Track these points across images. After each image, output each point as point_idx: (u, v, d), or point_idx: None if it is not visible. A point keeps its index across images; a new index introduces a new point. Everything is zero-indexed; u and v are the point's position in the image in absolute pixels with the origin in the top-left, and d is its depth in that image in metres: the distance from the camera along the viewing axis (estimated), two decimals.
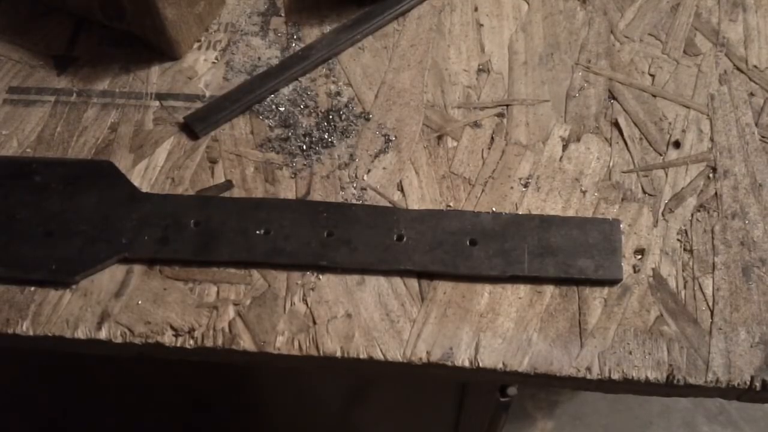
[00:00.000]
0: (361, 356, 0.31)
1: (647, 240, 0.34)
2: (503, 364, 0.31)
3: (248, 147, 0.37)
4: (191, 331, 0.32)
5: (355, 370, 0.33)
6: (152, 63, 0.40)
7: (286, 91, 0.39)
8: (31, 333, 0.32)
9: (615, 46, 0.40)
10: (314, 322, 0.32)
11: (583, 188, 0.35)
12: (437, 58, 0.40)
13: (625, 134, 0.37)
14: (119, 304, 0.32)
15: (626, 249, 0.33)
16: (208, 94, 0.39)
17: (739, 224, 0.34)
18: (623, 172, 0.36)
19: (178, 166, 0.36)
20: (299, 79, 0.39)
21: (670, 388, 0.31)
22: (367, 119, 0.38)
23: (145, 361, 0.34)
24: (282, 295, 0.33)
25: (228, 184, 0.36)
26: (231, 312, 0.32)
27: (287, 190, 0.35)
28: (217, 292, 0.33)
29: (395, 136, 0.37)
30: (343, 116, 0.38)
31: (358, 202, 0.35)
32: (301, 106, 0.38)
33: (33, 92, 0.39)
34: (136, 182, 0.35)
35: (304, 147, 0.37)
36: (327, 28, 0.41)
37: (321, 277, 0.33)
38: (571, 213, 0.35)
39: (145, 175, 0.36)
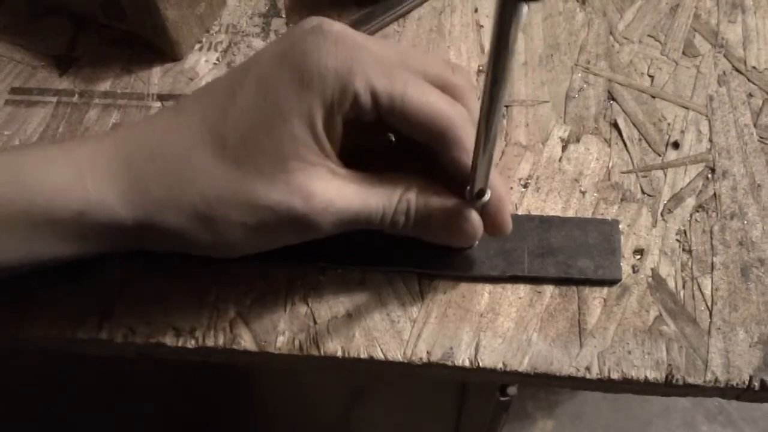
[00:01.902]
0: (362, 356, 0.31)
1: (646, 240, 0.34)
2: (503, 363, 0.31)
3: None
4: (192, 330, 0.32)
5: (356, 370, 0.33)
6: (153, 64, 0.40)
7: None
8: (31, 333, 0.32)
9: (614, 47, 0.40)
10: (315, 322, 0.32)
11: (582, 189, 0.35)
12: None
13: (625, 135, 0.37)
14: (120, 304, 0.33)
15: (625, 249, 0.34)
16: None
17: (737, 225, 0.34)
18: (622, 173, 0.36)
19: None
20: None
21: (669, 387, 0.31)
22: None
23: (146, 362, 0.34)
24: (283, 294, 0.33)
25: None
26: (232, 312, 0.32)
27: None
28: (218, 292, 0.33)
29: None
30: None
31: None
32: None
33: (35, 93, 0.39)
34: None
35: None
36: None
37: (321, 277, 0.33)
38: (570, 213, 0.35)
39: None
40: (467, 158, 0.28)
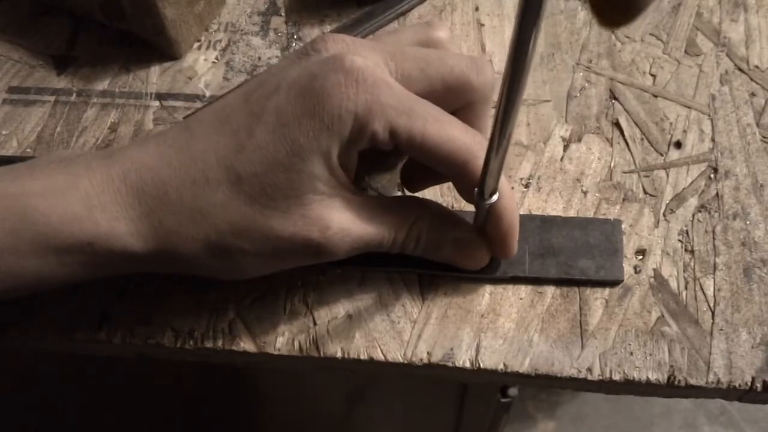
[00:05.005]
0: (362, 357, 0.31)
1: (648, 240, 0.34)
2: (504, 365, 0.31)
3: None
4: (191, 331, 0.32)
5: (356, 371, 0.32)
6: (152, 63, 0.40)
7: None
8: (31, 333, 0.32)
9: (616, 46, 0.40)
10: (314, 323, 0.32)
11: (584, 188, 0.35)
12: None
13: (626, 134, 0.37)
14: (119, 305, 0.32)
15: (627, 249, 0.33)
16: (208, 94, 0.39)
17: (740, 225, 0.34)
18: (624, 173, 0.36)
19: None
20: None
21: (671, 389, 0.31)
22: None
23: (146, 361, 0.34)
24: (282, 295, 0.33)
25: None
26: (231, 312, 0.32)
27: None
28: (217, 293, 0.33)
29: None
30: None
31: None
32: None
33: (33, 92, 0.39)
34: None
35: None
36: (327, 28, 0.41)
37: (321, 277, 0.33)
38: (572, 213, 0.34)
39: None
40: None
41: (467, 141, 0.27)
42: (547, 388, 0.73)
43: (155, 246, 0.27)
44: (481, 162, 0.27)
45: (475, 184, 0.28)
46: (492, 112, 0.30)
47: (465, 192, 0.29)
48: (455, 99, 0.29)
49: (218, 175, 0.27)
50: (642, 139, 0.37)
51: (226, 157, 0.27)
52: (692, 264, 0.33)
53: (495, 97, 0.30)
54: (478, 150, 0.27)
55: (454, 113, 0.29)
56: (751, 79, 0.38)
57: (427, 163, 0.28)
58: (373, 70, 0.27)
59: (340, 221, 0.27)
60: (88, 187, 0.27)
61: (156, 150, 0.28)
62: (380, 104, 0.26)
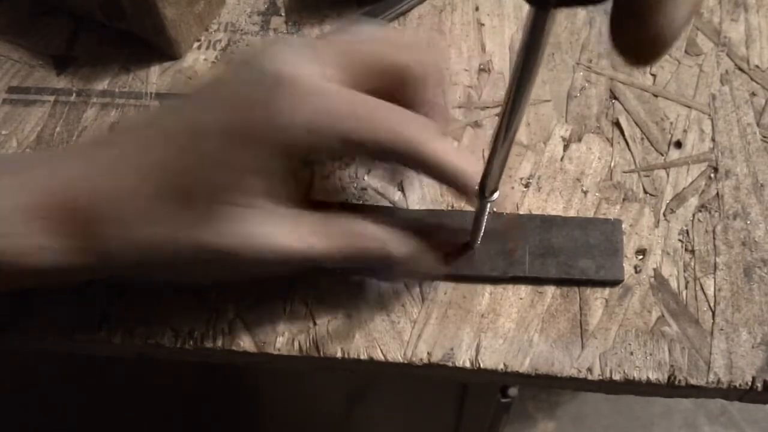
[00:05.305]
0: (362, 357, 0.31)
1: (648, 240, 0.34)
2: (504, 365, 0.31)
3: None
4: (191, 331, 0.32)
5: (356, 371, 0.32)
6: (152, 62, 0.40)
7: None
8: (30, 333, 0.32)
9: None
10: (314, 323, 0.32)
11: (584, 188, 0.35)
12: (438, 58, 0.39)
13: (627, 134, 0.37)
14: (119, 305, 0.32)
15: (627, 249, 0.33)
16: None
17: (740, 224, 0.34)
18: (624, 172, 0.36)
19: None
20: None
21: (671, 388, 0.31)
22: None
23: (146, 361, 0.34)
24: (282, 295, 0.33)
25: None
26: (231, 313, 0.32)
27: None
28: (217, 293, 0.33)
29: None
30: None
31: (358, 202, 0.35)
32: None
33: (32, 92, 0.39)
34: None
35: None
36: (327, 28, 0.41)
37: (321, 278, 0.33)
38: (572, 213, 0.34)
39: None
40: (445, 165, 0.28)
41: (413, 131, 0.27)
42: (547, 388, 0.73)
43: (90, 260, 0.27)
44: (431, 144, 0.27)
45: (429, 168, 0.27)
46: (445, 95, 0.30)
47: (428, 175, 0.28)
48: (402, 89, 0.29)
49: (155, 187, 0.26)
50: (642, 139, 0.37)
51: (165, 168, 0.26)
52: (692, 264, 0.33)
53: (440, 79, 0.30)
54: (423, 135, 0.27)
55: (406, 104, 0.28)
56: (752, 79, 0.38)
57: (383, 159, 0.28)
58: (314, 80, 0.26)
59: (272, 236, 0.27)
60: (26, 200, 0.26)
61: (90, 160, 0.27)
62: (325, 114, 0.26)
